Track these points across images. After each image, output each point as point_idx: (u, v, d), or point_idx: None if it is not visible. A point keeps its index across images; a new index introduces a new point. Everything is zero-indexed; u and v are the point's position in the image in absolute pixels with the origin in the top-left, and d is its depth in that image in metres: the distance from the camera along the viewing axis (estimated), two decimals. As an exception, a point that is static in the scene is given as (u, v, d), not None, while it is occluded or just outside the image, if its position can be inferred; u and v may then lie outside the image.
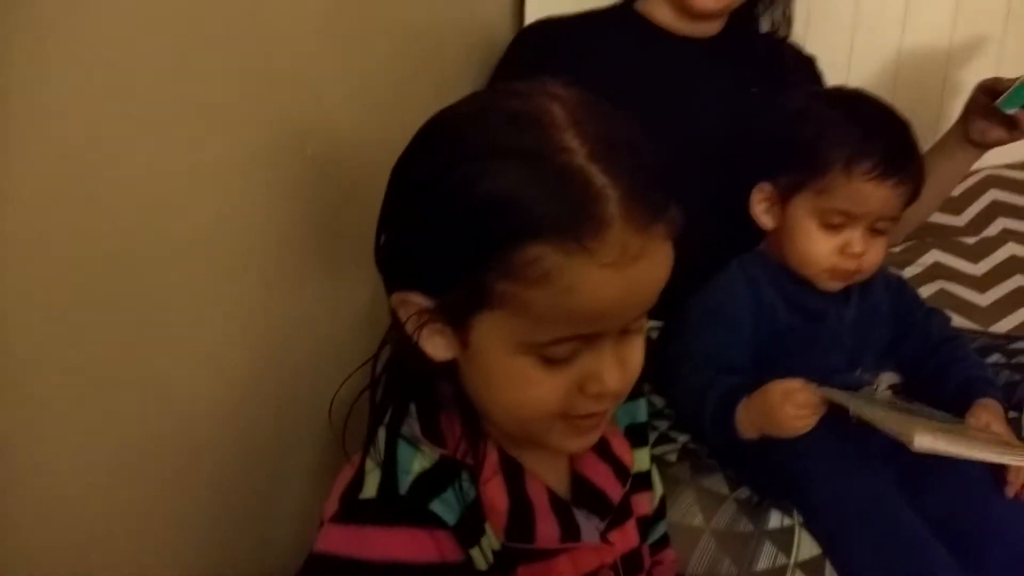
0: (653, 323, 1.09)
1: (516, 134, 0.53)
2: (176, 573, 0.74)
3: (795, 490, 0.93)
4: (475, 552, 0.60)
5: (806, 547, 0.90)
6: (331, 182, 0.93)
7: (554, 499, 0.64)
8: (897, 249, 1.40)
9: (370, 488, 0.59)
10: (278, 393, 0.87)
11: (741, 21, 1.29)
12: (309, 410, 0.92)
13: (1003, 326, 1.29)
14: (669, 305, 0.92)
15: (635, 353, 0.59)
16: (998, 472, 0.92)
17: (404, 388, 0.62)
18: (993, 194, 1.43)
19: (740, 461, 0.99)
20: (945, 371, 1.03)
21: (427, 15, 1.18)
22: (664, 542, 0.81)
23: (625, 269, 0.52)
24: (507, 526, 0.61)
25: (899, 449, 0.96)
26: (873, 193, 0.94)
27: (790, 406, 0.87)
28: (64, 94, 0.56)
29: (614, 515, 0.68)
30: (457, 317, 0.57)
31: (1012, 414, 0.98)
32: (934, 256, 1.39)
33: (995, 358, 1.11)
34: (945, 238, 1.41)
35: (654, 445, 0.96)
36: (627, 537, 0.70)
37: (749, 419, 0.91)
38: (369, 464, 0.60)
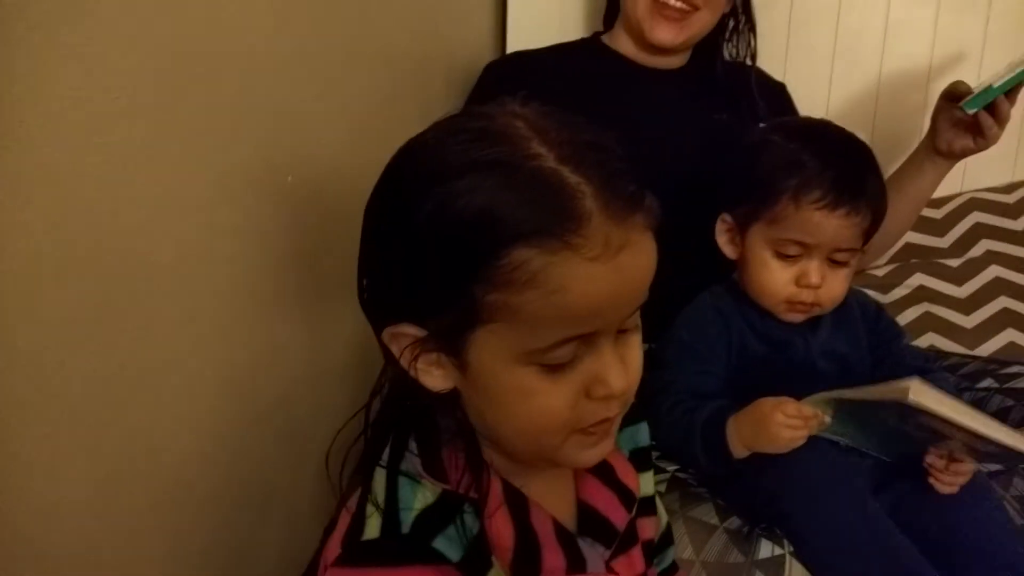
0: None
1: (483, 150, 0.54)
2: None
3: (785, 518, 0.92)
4: None
5: (797, 576, 0.89)
6: (312, 210, 0.92)
7: (559, 530, 0.63)
8: (881, 272, 1.41)
9: (372, 529, 0.57)
10: (260, 432, 0.86)
11: (706, 52, 1.32)
12: (294, 448, 0.90)
13: (988, 348, 1.29)
14: (655, 328, 0.94)
15: (634, 352, 0.59)
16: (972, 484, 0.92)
17: (403, 424, 0.61)
18: (976, 216, 1.44)
19: (730, 489, 0.98)
20: None
21: (410, 42, 1.19)
22: (673, 569, 0.80)
23: (611, 261, 0.52)
24: (513, 560, 0.60)
25: (889, 474, 0.97)
26: (823, 223, 0.94)
27: (780, 415, 0.87)
28: (47, 125, 0.56)
29: (620, 542, 0.67)
30: (451, 340, 0.56)
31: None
32: (919, 278, 1.39)
33: (987, 383, 1.11)
34: (929, 260, 1.41)
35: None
36: (633, 563, 0.69)
37: (739, 435, 0.91)
38: (368, 508, 0.59)
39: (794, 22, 1.48)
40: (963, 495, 0.92)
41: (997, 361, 1.18)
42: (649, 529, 0.73)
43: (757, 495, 0.93)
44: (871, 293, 1.32)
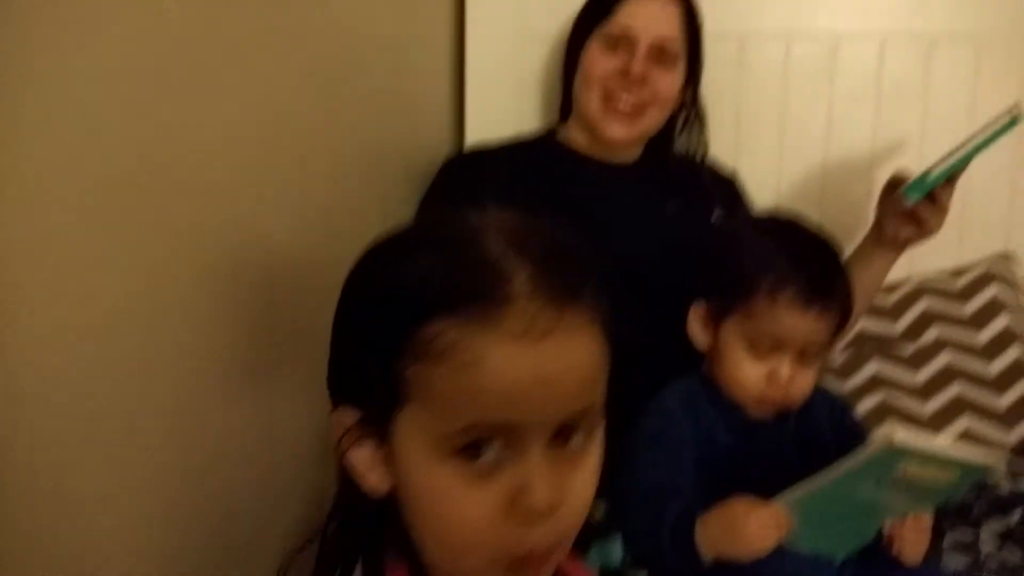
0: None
1: (431, 231, 0.56)
2: None
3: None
4: None
5: None
6: (268, 302, 0.90)
7: None
8: (837, 361, 1.42)
9: None
10: (209, 532, 0.82)
11: (658, 147, 1.36)
12: (246, 551, 0.86)
13: (946, 435, 1.30)
14: (623, 421, 0.92)
15: (576, 476, 0.54)
16: None
17: (351, 543, 0.59)
18: (925, 302, 1.46)
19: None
20: None
21: (369, 134, 1.20)
22: None
23: (534, 345, 0.50)
24: None
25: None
26: (797, 321, 0.95)
27: (755, 522, 0.85)
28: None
29: None
30: (380, 421, 0.54)
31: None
32: (874, 366, 1.40)
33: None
34: (883, 348, 1.43)
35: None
36: None
37: (708, 538, 0.89)
38: None
39: (742, 117, 1.53)
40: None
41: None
42: None
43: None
44: (827, 381, 1.33)
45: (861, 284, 1.26)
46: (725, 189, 1.39)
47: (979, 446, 0.87)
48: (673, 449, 1.00)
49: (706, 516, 0.90)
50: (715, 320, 1.02)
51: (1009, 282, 1.46)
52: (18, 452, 0.59)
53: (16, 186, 0.57)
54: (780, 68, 1.52)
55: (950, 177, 1.16)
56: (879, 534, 0.93)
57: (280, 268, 0.93)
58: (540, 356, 0.50)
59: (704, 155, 1.39)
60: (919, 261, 1.49)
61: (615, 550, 0.70)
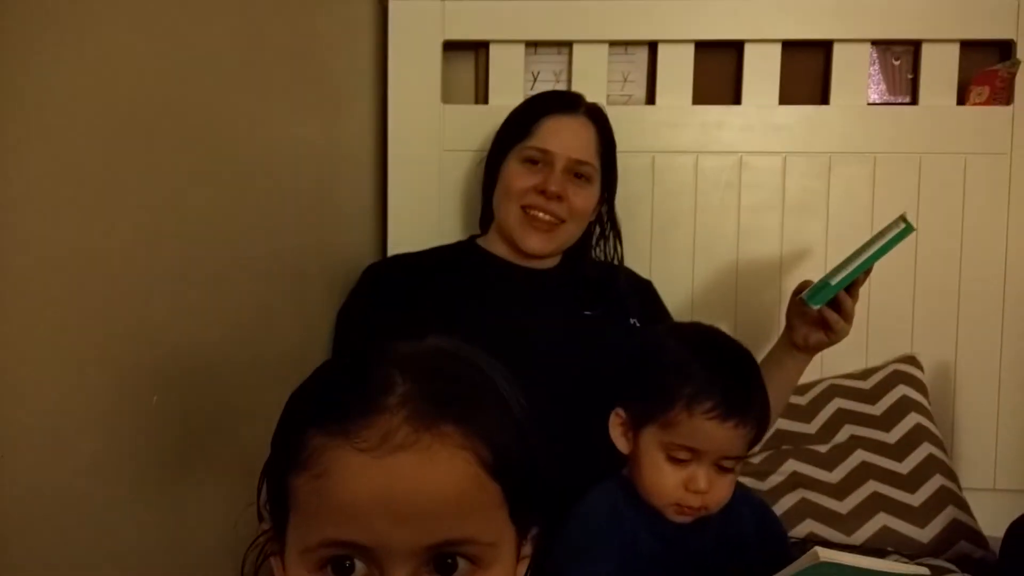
0: None
1: (339, 356, 0.57)
2: None
3: None
4: None
5: None
6: (177, 434, 0.88)
7: None
8: (756, 460, 1.44)
9: None
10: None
11: (576, 255, 1.41)
12: None
13: (864, 533, 1.32)
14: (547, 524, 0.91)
15: None
16: None
17: None
18: (838, 402, 1.50)
19: None
20: None
21: (291, 244, 1.20)
22: None
23: (384, 458, 0.49)
24: None
25: None
26: (714, 432, 0.97)
27: None
28: None
29: None
30: (277, 532, 0.55)
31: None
32: (792, 465, 1.42)
33: None
34: (799, 447, 1.46)
35: None
36: None
37: None
38: None
39: (656, 226, 1.60)
40: None
41: (876, 550, 1.19)
42: None
43: None
44: (747, 481, 1.35)
45: (775, 386, 1.29)
46: (641, 295, 1.43)
47: (904, 561, 0.87)
48: (597, 557, 0.98)
49: None
50: (634, 426, 1.03)
51: (915, 383, 1.52)
52: None
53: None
54: (691, 180, 1.60)
55: (852, 284, 1.22)
56: None
57: (198, 372, 0.91)
58: (388, 473, 0.49)
59: (620, 262, 1.43)
60: (830, 364, 1.55)
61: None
